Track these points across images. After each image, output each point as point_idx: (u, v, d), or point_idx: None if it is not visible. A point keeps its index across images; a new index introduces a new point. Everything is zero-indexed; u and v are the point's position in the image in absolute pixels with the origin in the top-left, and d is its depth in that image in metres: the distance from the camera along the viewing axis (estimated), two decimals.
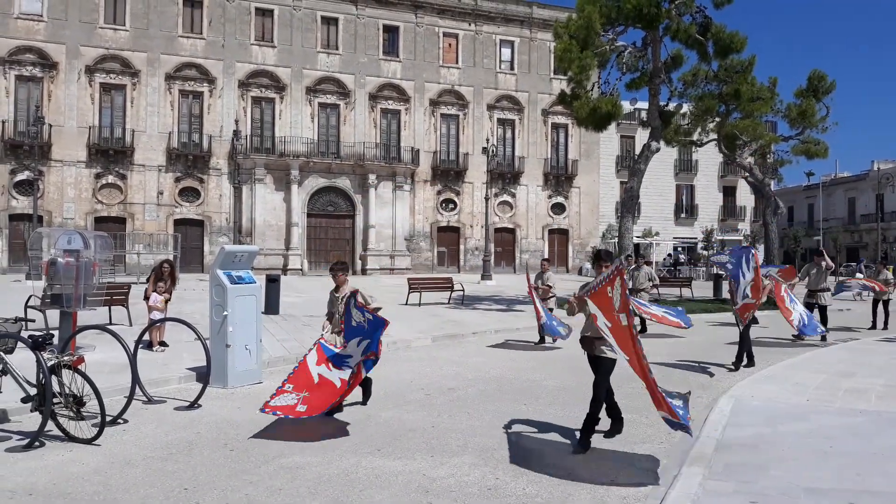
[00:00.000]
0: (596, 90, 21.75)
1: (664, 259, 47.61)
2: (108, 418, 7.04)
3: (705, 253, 47.06)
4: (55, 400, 6.51)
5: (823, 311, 14.98)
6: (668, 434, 7.01)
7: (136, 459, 6.05)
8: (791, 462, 5.89)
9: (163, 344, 11.73)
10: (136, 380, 7.34)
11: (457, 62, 44.56)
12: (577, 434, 6.54)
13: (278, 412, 7.10)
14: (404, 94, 43.21)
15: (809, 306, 14.84)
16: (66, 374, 6.64)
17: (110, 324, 13.98)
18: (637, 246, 14.96)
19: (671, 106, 23.49)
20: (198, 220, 39.51)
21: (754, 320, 11.50)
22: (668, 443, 6.70)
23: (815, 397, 8.54)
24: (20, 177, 35.59)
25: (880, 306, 17.15)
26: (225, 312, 9.24)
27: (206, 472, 5.76)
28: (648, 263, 17.77)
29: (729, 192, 53.73)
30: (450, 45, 44.50)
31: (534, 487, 5.35)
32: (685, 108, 25.46)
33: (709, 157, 49.24)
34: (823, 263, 15.10)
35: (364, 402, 8.17)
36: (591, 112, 19.66)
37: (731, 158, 25.66)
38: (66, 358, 6.63)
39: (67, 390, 6.57)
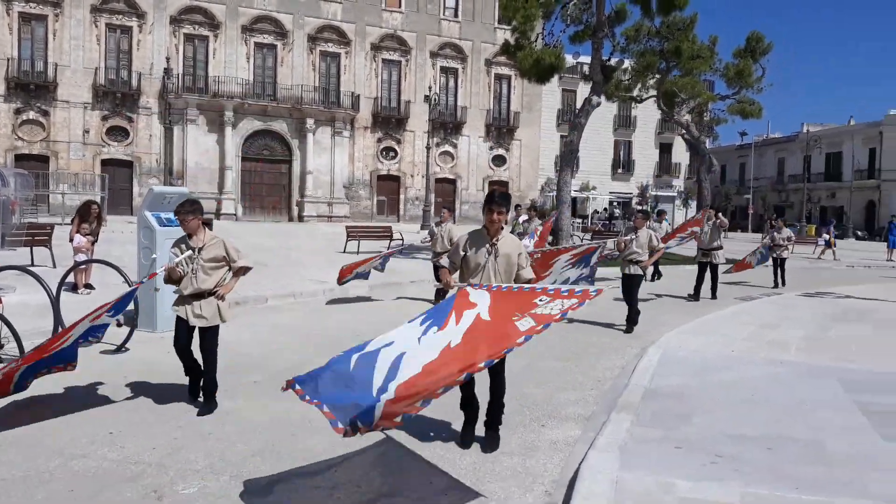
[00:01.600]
0: (540, 41, 21.58)
1: (600, 213, 48.43)
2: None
3: (639, 208, 48.01)
4: None
5: (715, 270, 14.42)
6: (597, 381, 7.17)
7: (56, 404, 5.83)
8: (716, 411, 6.09)
9: (88, 286, 11.33)
10: (58, 322, 7.04)
11: (400, 6, 43.54)
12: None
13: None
14: (345, 37, 42.09)
15: (702, 266, 14.38)
16: None
17: (32, 265, 13.35)
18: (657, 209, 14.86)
19: (613, 61, 23.54)
20: (127, 160, 38.00)
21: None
22: (597, 390, 6.85)
23: (740, 348, 8.85)
24: None
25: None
26: (154, 255, 8.93)
27: (133, 416, 5.60)
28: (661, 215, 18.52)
29: (665, 149, 54.74)
30: None
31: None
32: (627, 63, 25.57)
33: (647, 114, 49.87)
34: (716, 221, 14.57)
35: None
36: (534, 63, 19.52)
37: (670, 115, 26.01)
38: None
39: None
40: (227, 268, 5.90)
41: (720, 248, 14.46)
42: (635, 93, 25.22)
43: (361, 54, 42.57)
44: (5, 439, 4.96)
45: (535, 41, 20.90)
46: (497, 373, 5.04)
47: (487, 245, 4.98)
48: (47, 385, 6.36)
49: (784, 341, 9.43)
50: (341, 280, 12.31)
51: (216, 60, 39.22)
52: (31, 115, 36.04)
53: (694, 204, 36.43)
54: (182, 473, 4.46)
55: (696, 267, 14.99)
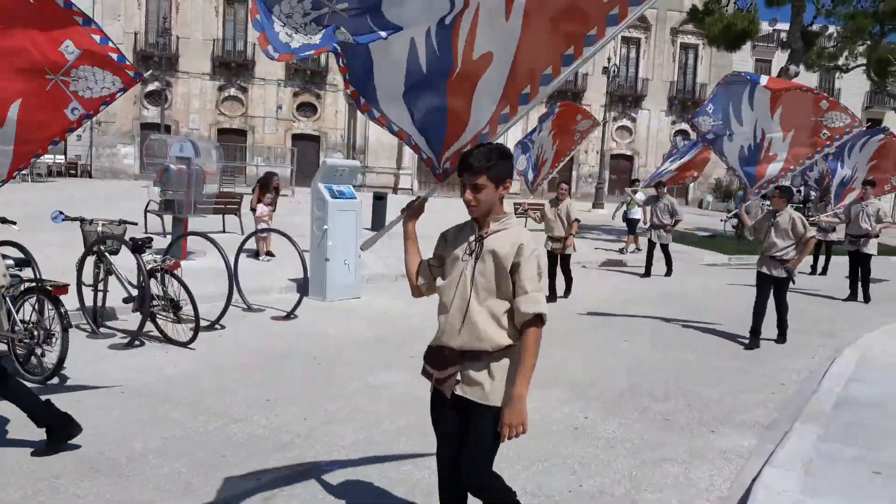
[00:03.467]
0: (731, 6, 19.91)
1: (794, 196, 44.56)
2: (205, 323, 7.21)
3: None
4: (153, 302, 6.66)
5: (665, 249, 13.21)
6: (780, 385, 6.42)
7: (226, 366, 6.12)
8: None
9: (269, 254, 11.95)
10: (232, 287, 7.42)
11: None
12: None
13: None
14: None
15: (663, 248, 13.19)
16: (165, 278, 6.76)
17: (224, 231, 14.41)
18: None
19: (816, 27, 21.26)
20: (314, 135, 40.15)
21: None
22: (780, 395, 6.12)
23: None
24: (150, 87, 37.13)
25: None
26: (325, 226, 9.21)
27: (291, 383, 5.73)
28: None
29: (875, 125, 49.10)
30: None
31: (624, 431, 4.98)
32: (831, 29, 22.98)
33: (853, 85, 44.81)
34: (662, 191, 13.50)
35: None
36: (724, 29, 18.05)
37: (882, 86, 23.12)
38: (164, 262, 6.73)
39: (165, 293, 6.70)
40: None
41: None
42: (841, 61, 22.62)
43: None
44: (173, 398, 5.24)
45: (727, 5, 19.30)
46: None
47: (469, 241, 2.89)
48: (221, 343, 6.71)
49: None
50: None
51: None
52: (232, 91, 39.01)
53: None
54: (328, 448, 4.45)
55: None
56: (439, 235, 3.07)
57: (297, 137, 39.76)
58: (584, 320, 8.86)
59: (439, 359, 2.92)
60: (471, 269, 2.83)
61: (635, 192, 16.94)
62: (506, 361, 2.81)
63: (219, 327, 7.36)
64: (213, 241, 7.51)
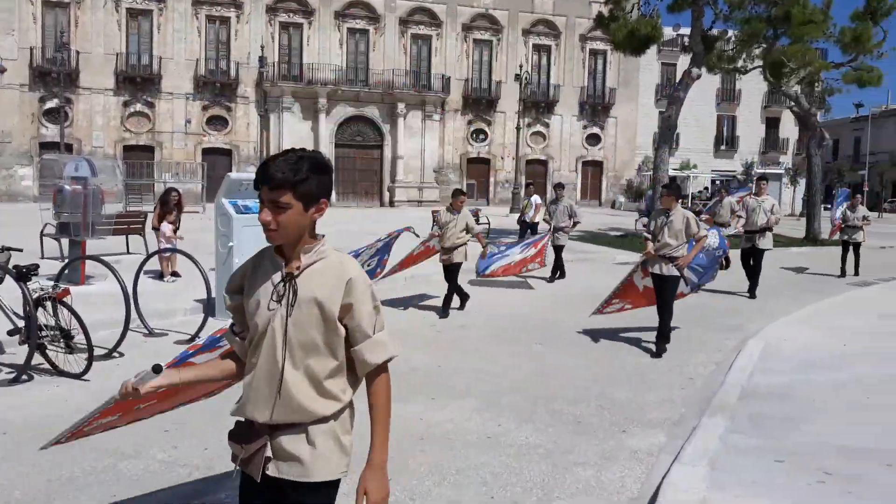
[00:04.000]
0: (636, 12, 20.50)
1: (700, 192, 46.23)
2: (102, 352, 6.82)
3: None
4: (42, 333, 6.24)
5: (559, 252, 12.96)
6: (688, 380, 6.53)
7: None
8: (825, 416, 5.37)
9: (175, 274, 11.47)
10: (129, 312, 7.03)
11: None
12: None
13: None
14: (436, 19, 41.74)
15: (556, 249, 12.88)
16: (56, 307, 6.34)
17: (128, 253, 13.79)
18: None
19: (715, 30, 22.13)
20: (226, 149, 39.17)
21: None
22: (689, 388, 6.23)
23: (855, 343, 7.95)
24: (49, 104, 35.42)
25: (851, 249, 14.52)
26: (231, 243, 8.87)
27: (193, 412, 5.40)
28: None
29: (772, 124, 51.61)
30: None
31: (537, 437, 4.94)
32: (730, 32, 23.99)
33: (752, 87, 47.04)
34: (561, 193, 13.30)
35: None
36: (628, 35, 18.54)
37: (777, 87, 24.29)
38: (53, 289, 6.31)
39: (54, 323, 6.28)
40: None
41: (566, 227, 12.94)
42: (739, 63, 23.61)
43: (452, 35, 42.13)
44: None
45: (631, 11, 19.86)
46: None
47: (274, 282, 2.16)
48: (117, 372, 6.33)
49: None
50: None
51: (310, 48, 39.75)
52: (138, 107, 37.65)
53: (803, 182, 34.11)
54: (229, 479, 4.21)
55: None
56: (238, 268, 2.32)
57: (207, 152, 38.68)
58: (498, 328, 8.83)
59: (245, 432, 2.20)
60: (281, 322, 2.11)
61: (531, 194, 17.31)
62: (331, 423, 2.17)
63: (116, 355, 6.95)
64: (106, 264, 7.11)
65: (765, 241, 11.63)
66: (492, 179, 43.84)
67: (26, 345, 6.25)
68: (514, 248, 12.19)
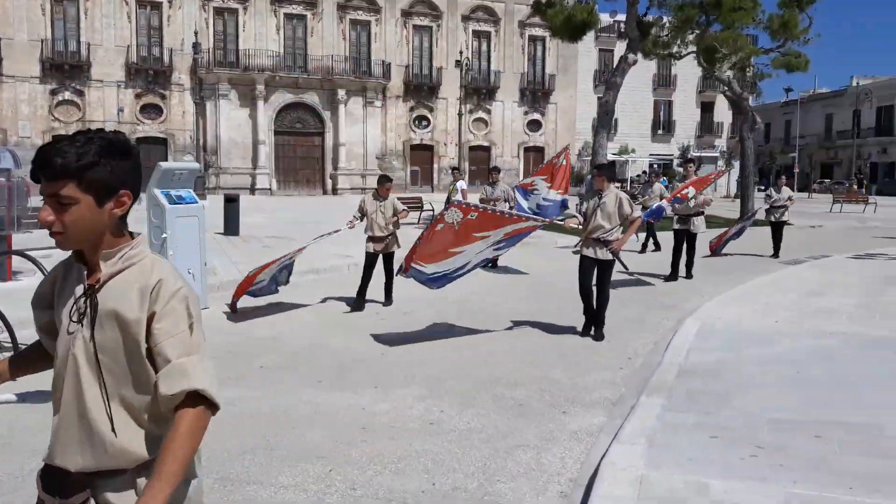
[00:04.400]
0: None
1: (638, 176, 47.17)
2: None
3: (680, 170, 46.57)
4: None
5: (693, 240, 12.22)
6: (628, 360, 6.66)
7: (48, 396, 5.55)
8: (756, 390, 5.54)
9: None
10: None
11: None
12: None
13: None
14: (374, 4, 41.31)
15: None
16: None
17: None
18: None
19: (650, 17, 22.50)
20: (161, 137, 38.09)
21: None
22: (627, 370, 6.34)
23: (783, 318, 8.23)
24: None
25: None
26: (164, 234, 8.63)
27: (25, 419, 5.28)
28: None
29: (707, 108, 52.92)
30: None
31: (478, 421, 4.96)
32: (665, 19, 24.45)
33: (688, 72, 48.13)
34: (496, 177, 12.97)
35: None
36: (565, 21, 18.72)
37: (710, 72, 24.88)
38: None
39: None
40: None
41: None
42: (674, 49, 24.09)
43: (392, 21, 41.78)
44: None
45: None
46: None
47: (76, 297, 1.75)
48: (37, 377, 6.09)
49: (833, 309, 8.76)
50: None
51: (246, 34, 38.90)
52: (67, 95, 36.27)
53: (737, 164, 35.11)
54: None
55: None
56: (47, 274, 1.88)
57: (142, 140, 37.41)
58: (441, 314, 8.82)
59: (60, 481, 1.74)
60: (84, 346, 1.70)
61: (457, 179, 17.33)
62: None
63: None
64: (32, 259, 6.84)
65: (697, 225, 11.61)
66: (435, 166, 43.79)
67: None
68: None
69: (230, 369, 6.28)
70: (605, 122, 21.16)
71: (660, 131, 51.50)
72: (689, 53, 24.33)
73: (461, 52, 39.94)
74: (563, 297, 9.83)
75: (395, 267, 8.06)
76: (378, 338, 7.45)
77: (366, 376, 6.05)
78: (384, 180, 9.29)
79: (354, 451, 4.43)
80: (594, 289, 7.52)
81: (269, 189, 38.46)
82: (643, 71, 45.69)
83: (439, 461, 4.29)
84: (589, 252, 7.41)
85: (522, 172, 45.90)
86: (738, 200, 26.18)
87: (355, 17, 41.05)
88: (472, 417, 5.05)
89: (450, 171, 18.08)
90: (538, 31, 44.09)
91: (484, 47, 44.44)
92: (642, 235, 15.15)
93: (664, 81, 50.94)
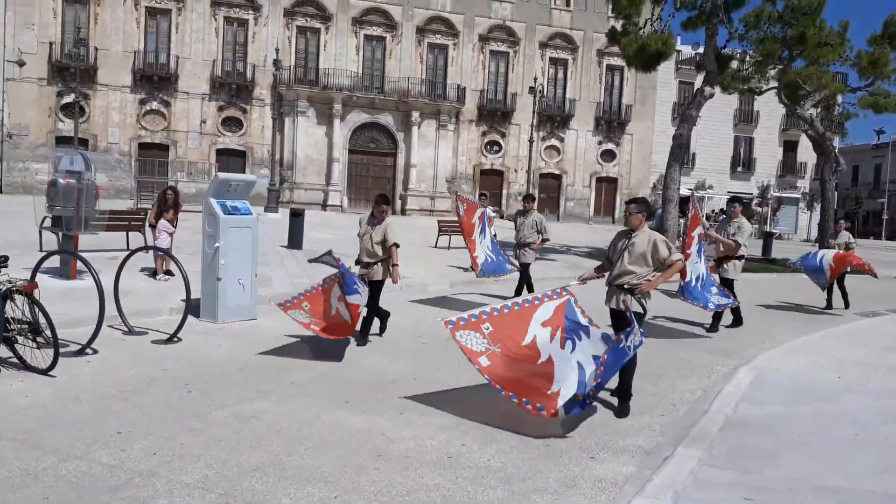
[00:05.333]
0: (649, 27, 20.30)
1: (715, 212, 45.78)
2: (76, 348, 6.72)
3: (759, 210, 45.09)
4: (10, 326, 6.11)
5: (526, 269, 11.66)
6: (671, 406, 6.29)
7: (85, 395, 5.62)
8: (807, 450, 5.12)
9: (168, 273, 11.37)
10: (102, 309, 6.87)
11: None
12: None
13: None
14: (453, 29, 41.70)
15: (523, 266, 11.68)
16: (27, 301, 6.22)
17: (128, 249, 13.69)
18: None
19: (730, 50, 21.88)
20: (240, 150, 39.23)
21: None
22: (669, 416, 5.97)
23: (851, 374, 7.66)
24: (66, 99, 35.64)
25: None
26: (217, 244, 8.76)
27: (151, 414, 5.28)
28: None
29: (790, 147, 51.04)
30: None
31: (500, 459, 4.72)
32: (747, 52, 23.77)
33: (771, 109, 46.59)
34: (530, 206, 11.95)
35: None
36: (639, 50, 18.33)
37: (792, 109, 23.96)
38: (19, 283, 6.18)
39: (22, 316, 6.15)
40: None
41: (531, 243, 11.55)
42: (754, 84, 23.33)
43: (469, 46, 42.07)
44: (11, 432, 4.74)
45: (644, 27, 19.66)
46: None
47: None
48: (86, 369, 6.18)
49: None
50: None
51: (327, 53, 39.82)
52: (154, 105, 37.80)
53: (818, 207, 33.68)
54: (169, 486, 4.04)
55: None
56: None
57: (222, 153, 38.78)
58: None
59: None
60: None
61: (485, 205, 16.54)
62: None
63: (90, 352, 6.82)
64: (83, 260, 7.00)
65: (732, 271, 10.28)
66: (504, 192, 43.63)
67: None
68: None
69: (261, 382, 6.25)
70: (677, 155, 20.57)
71: (739, 168, 49.94)
72: (769, 89, 23.53)
73: (535, 79, 39.81)
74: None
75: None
76: (414, 362, 7.30)
77: (393, 400, 5.90)
78: (381, 201, 8.34)
79: (363, 479, 4.28)
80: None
81: (340, 206, 39.02)
82: (724, 105, 44.55)
83: (449, 498, 4.09)
84: (612, 303, 6.12)
85: (594, 203, 45.30)
86: (818, 245, 25.05)
87: (433, 41, 41.51)
88: (494, 454, 4.82)
89: (478, 196, 17.28)
90: (616, 61, 43.50)
91: (560, 74, 44.20)
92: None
93: (746, 117, 49.48)
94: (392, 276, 8.16)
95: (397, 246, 8.12)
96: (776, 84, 22.84)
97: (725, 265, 10.36)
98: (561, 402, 5.27)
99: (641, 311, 5.97)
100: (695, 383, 7.13)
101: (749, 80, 22.77)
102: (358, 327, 7.71)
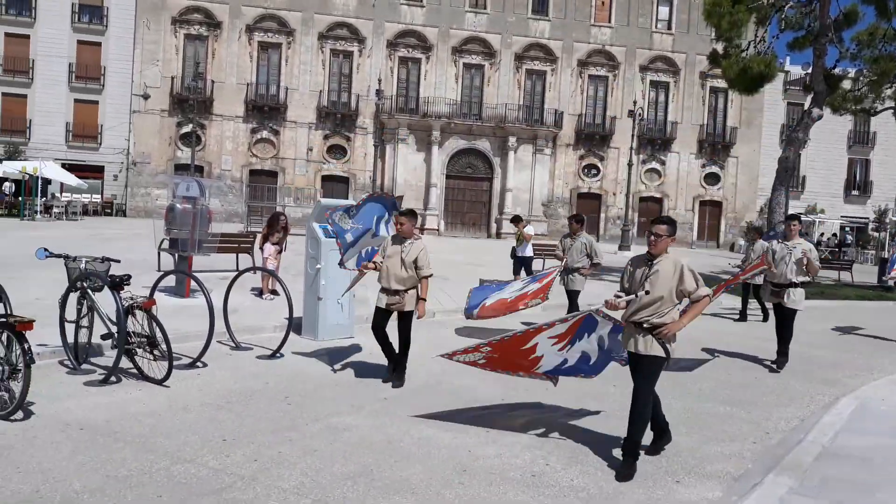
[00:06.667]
0: (752, 49, 19.80)
1: (828, 238, 43.54)
2: (187, 361, 7.24)
3: (875, 235, 42.51)
4: (131, 339, 6.68)
5: (574, 297, 10.79)
6: (765, 434, 6.14)
7: (193, 405, 6.07)
8: None
9: (274, 292, 11.98)
10: (213, 324, 7.40)
11: (609, 20, 42.49)
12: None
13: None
14: (551, 55, 41.88)
15: (570, 294, 10.78)
16: (146, 316, 6.79)
17: (237, 270, 14.51)
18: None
19: (839, 70, 21.01)
20: (343, 176, 40.70)
21: None
22: (761, 444, 5.85)
23: None
24: (185, 129, 38.11)
25: None
26: (318, 265, 9.22)
27: (253, 424, 5.66)
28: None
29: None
30: (602, 2, 42.49)
31: (583, 480, 4.79)
32: (860, 71, 22.71)
33: (889, 130, 44.03)
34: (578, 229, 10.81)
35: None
36: (741, 72, 17.90)
37: None
38: (139, 300, 6.76)
39: (142, 330, 6.72)
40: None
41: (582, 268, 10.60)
42: (867, 104, 22.24)
43: (567, 71, 42.10)
44: (129, 436, 5.20)
45: (747, 49, 19.19)
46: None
47: None
48: (196, 381, 6.67)
49: None
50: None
51: (427, 82, 40.84)
52: (264, 134, 39.87)
53: None
54: (267, 491, 4.35)
55: None
56: None
57: (326, 179, 40.36)
58: None
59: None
60: None
61: (524, 226, 15.22)
62: None
63: (200, 365, 7.34)
64: (196, 280, 7.57)
65: (794, 299, 8.89)
66: (602, 215, 43.14)
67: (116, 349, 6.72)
68: (515, 284, 10.32)
69: (354, 398, 6.55)
70: (783, 178, 19.86)
71: (854, 192, 47.37)
72: (885, 110, 22.37)
73: (635, 102, 39.34)
74: (696, 352, 9.31)
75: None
76: (503, 385, 7.42)
77: (480, 418, 6.06)
78: (408, 215, 7.36)
79: (448, 492, 4.45)
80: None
81: (437, 230, 39.70)
82: (838, 126, 42.57)
83: None
84: (630, 345, 5.07)
85: (697, 227, 44.05)
86: None
87: (531, 67, 41.81)
88: (578, 474, 4.89)
89: (513, 221, 15.98)
90: (720, 83, 42.24)
91: (661, 97, 43.48)
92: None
93: (861, 139, 46.98)
94: (418, 311, 7.14)
95: (430, 276, 7.19)
96: (893, 104, 21.70)
97: (791, 293, 8.86)
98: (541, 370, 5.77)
99: (664, 356, 4.98)
100: (792, 412, 6.92)
101: (862, 100, 21.74)
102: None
